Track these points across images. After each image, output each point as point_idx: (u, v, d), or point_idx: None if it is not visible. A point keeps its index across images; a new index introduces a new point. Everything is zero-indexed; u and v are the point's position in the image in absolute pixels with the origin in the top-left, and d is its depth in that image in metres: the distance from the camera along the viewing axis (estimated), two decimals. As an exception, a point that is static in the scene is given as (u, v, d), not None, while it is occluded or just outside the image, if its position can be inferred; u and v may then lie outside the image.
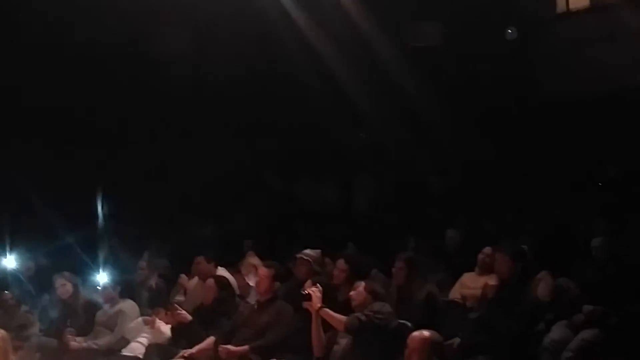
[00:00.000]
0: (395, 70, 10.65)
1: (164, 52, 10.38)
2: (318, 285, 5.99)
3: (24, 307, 8.09)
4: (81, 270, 8.33)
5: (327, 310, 5.78)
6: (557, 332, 6.05)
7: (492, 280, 6.43)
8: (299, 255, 6.99)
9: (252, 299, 7.33)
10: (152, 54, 10.46)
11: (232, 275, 7.94)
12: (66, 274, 7.77)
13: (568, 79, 9.98)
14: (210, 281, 7.00)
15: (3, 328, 6.42)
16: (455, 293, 7.14)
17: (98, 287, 7.95)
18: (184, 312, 6.79)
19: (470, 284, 7.04)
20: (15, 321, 7.85)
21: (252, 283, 7.89)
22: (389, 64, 10.66)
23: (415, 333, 4.85)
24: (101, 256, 9.58)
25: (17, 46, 9.95)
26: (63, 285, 7.69)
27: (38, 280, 8.90)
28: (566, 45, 10.05)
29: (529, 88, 10.41)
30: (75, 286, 7.73)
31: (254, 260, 8.06)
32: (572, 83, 9.90)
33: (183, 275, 8.39)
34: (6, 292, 8.11)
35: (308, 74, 10.84)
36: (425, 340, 4.77)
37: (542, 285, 6.52)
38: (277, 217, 10.75)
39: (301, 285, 6.44)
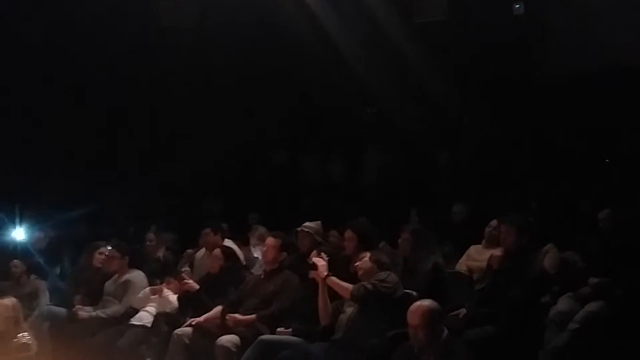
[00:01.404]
0: (401, 45, 10.59)
1: (169, 21, 10.33)
2: (323, 254, 6.05)
3: (33, 276, 8.16)
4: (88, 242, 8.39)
5: (334, 278, 5.84)
6: (563, 303, 6.09)
7: (498, 253, 6.44)
8: (299, 229, 7.07)
9: (257, 272, 7.39)
10: (156, 23, 10.43)
11: (239, 248, 8.01)
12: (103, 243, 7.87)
13: (576, 53, 9.88)
14: (217, 251, 7.08)
15: (14, 297, 6.53)
16: (461, 265, 7.17)
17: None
18: (191, 281, 6.86)
19: (477, 257, 7.07)
20: (26, 289, 7.94)
21: (257, 255, 7.95)
22: (395, 39, 10.61)
23: (412, 308, 4.87)
24: (108, 228, 9.69)
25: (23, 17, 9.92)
26: (101, 254, 7.77)
27: (49, 251, 8.96)
28: (574, 17, 9.94)
29: (536, 62, 10.34)
30: None
31: (262, 231, 8.10)
32: (581, 56, 9.81)
33: (189, 251, 8.46)
34: (16, 260, 8.19)
35: (315, 49, 10.81)
36: (425, 313, 4.80)
37: (548, 258, 6.56)
38: (283, 190, 10.77)
39: (305, 257, 6.49)
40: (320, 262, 5.92)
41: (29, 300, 7.76)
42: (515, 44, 10.28)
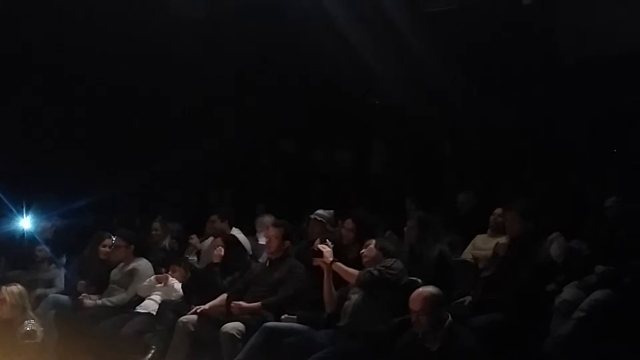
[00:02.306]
0: (409, 34, 10.54)
1: (179, 11, 10.31)
2: (328, 241, 6.05)
3: (53, 265, 8.24)
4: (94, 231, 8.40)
5: (340, 264, 5.84)
6: (568, 292, 6.02)
7: (504, 240, 6.41)
8: (312, 216, 7.06)
9: (263, 260, 7.37)
10: (166, 14, 10.40)
11: (247, 237, 8.01)
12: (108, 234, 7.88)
13: (586, 41, 9.81)
14: (218, 240, 7.08)
15: (33, 282, 6.59)
16: (467, 255, 7.14)
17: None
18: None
19: (483, 246, 7.03)
20: (47, 275, 8.03)
21: (262, 242, 7.95)
22: (404, 28, 10.55)
23: (414, 294, 4.89)
24: (114, 218, 9.71)
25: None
26: (105, 247, 7.77)
27: (55, 241, 8.99)
28: (584, 5, 9.85)
29: (545, 50, 10.26)
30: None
31: (268, 219, 8.10)
32: (591, 45, 9.74)
33: (193, 236, 8.46)
34: (39, 247, 8.24)
35: (322, 38, 10.77)
36: (426, 298, 4.81)
37: (555, 246, 6.52)
38: (292, 180, 10.77)
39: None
40: (326, 248, 5.92)
41: (48, 285, 7.91)
42: (525, 32, 10.21)
